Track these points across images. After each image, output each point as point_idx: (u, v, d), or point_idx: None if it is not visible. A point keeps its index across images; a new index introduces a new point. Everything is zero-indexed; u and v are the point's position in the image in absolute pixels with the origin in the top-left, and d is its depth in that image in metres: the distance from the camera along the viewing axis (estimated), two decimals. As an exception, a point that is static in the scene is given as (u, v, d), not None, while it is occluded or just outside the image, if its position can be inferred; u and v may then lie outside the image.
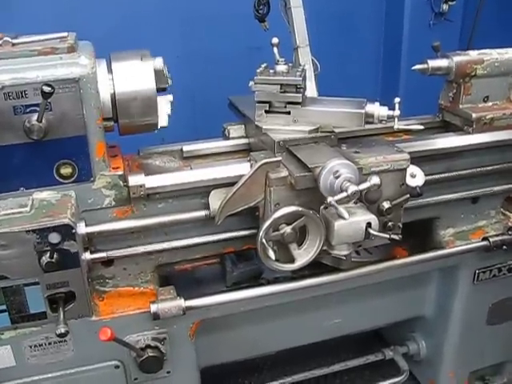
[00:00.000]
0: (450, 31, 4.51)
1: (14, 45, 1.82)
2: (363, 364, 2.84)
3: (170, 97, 1.98)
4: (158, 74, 1.91)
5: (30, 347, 1.92)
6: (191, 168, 2.12)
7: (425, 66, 2.34)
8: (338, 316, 2.52)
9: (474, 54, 2.36)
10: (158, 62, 1.93)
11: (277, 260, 1.92)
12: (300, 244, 1.93)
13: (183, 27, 4.02)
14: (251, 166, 2.00)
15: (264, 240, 1.85)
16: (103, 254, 1.97)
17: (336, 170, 1.78)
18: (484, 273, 2.48)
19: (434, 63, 2.34)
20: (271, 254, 1.87)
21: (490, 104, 2.42)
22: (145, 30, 3.79)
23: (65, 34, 1.88)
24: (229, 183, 1.97)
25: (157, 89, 1.91)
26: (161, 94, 1.97)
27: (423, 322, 2.75)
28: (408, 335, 2.89)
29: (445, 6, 4.42)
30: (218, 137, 2.43)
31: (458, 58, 2.33)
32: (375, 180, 1.80)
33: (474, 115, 2.34)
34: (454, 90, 2.42)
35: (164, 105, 1.96)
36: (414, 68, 2.36)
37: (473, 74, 2.34)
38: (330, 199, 1.75)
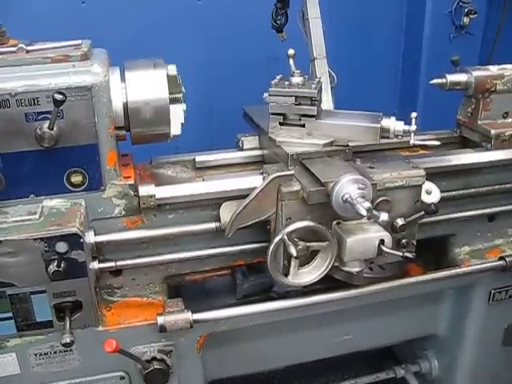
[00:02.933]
0: (470, 45, 4.46)
1: (28, 52, 1.82)
2: (374, 382, 2.79)
3: (183, 106, 1.96)
4: (170, 81, 1.89)
5: (36, 355, 1.90)
6: (203, 179, 2.11)
7: (443, 80, 2.30)
8: (348, 332, 2.48)
9: (493, 69, 2.32)
10: (172, 70, 1.91)
11: (285, 275, 1.90)
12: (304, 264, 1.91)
13: (203, 35, 4.03)
14: (263, 178, 1.97)
15: (286, 237, 1.81)
16: (112, 264, 1.96)
17: (349, 185, 1.76)
18: (500, 293, 2.42)
19: (452, 78, 2.30)
20: (292, 250, 1.81)
21: (510, 120, 2.39)
22: (164, 37, 3.80)
23: (79, 41, 1.88)
24: (240, 196, 1.95)
25: (170, 98, 1.90)
26: (174, 103, 1.96)
27: (436, 341, 2.69)
28: (420, 353, 2.83)
29: (466, 19, 4.37)
30: (233, 147, 2.41)
31: (478, 73, 2.30)
32: (383, 217, 1.77)
33: (492, 131, 2.30)
34: (473, 106, 2.38)
35: (177, 113, 1.94)
36: (431, 82, 2.32)
37: (492, 89, 2.30)
38: (346, 195, 1.72)
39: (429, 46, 4.41)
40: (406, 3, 4.50)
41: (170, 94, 1.89)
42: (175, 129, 1.96)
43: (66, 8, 3.67)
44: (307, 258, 1.89)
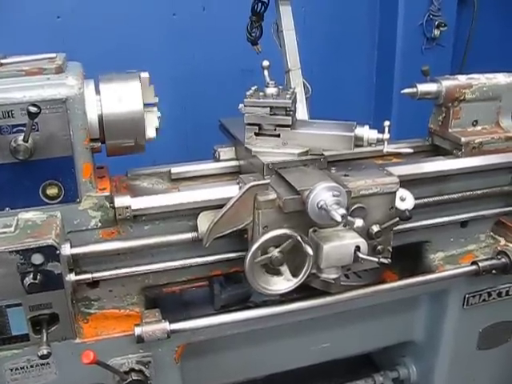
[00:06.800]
0: (441, 56, 4.55)
1: (1, 65, 1.82)
2: (353, 389, 2.81)
3: (157, 113, 1.98)
4: (143, 85, 1.91)
5: (11, 370, 1.88)
6: (179, 190, 2.12)
7: (414, 89, 2.35)
8: (326, 340, 2.50)
9: (462, 79, 2.38)
10: (145, 76, 1.93)
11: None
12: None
13: (178, 49, 4.05)
14: (240, 188, 1.99)
15: (299, 238, 1.82)
16: (88, 276, 1.95)
17: (324, 193, 1.78)
18: (473, 297, 2.47)
19: (422, 87, 2.36)
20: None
21: (479, 128, 2.44)
22: (139, 51, 3.81)
23: (53, 54, 1.88)
24: (217, 205, 1.96)
25: (144, 104, 1.91)
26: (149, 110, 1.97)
27: (413, 347, 2.73)
28: (398, 359, 2.86)
29: (436, 32, 4.47)
30: (209, 159, 2.42)
31: (447, 83, 2.35)
32: (358, 223, 1.79)
33: (463, 139, 2.35)
34: (444, 114, 2.43)
35: (152, 118, 1.95)
36: (402, 92, 2.37)
37: (461, 98, 2.36)
38: (321, 203, 1.74)
39: (401, 57, 4.49)
40: (378, 16, 4.58)
41: (143, 100, 1.90)
42: (150, 132, 1.95)
43: (40, 23, 3.66)
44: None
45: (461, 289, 2.44)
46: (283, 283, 1.93)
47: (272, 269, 1.91)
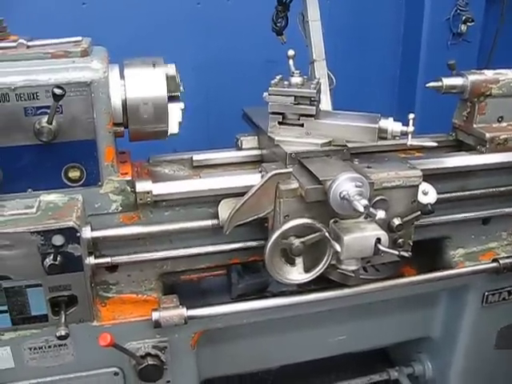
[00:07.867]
0: (468, 52, 4.49)
1: (28, 47, 1.83)
2: (367, 383, 2.79)
3: (181, 104, 1.96)
4: (169, 80, 1.90)
5: (30, 349, 1.90)
6: (200, 177, 2.12)
7: (439, 83, 2.32)
8: (342, 333, 2.49)
9: (489, 74, 2.34)
10: (171, 69, 1.92)
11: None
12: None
13: (202, 38, 4.05)
14: (262, 176, 1.98)
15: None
16: (107, 260, 1.96)
17: (347, 183, 1.77)
18: (493, 295, 2.44)
19: (448, 81, 2.32)
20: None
21: (505, 124, 2.40)
22: (163, 39, 3.81)
23: (79, 38, 1.89)
24: (238, 193, 1.95)
25: (169, 96, 1.90)
26: (173, 101, 1.97)
27: (430, 343, 2.70)
28: (414, 355, 2.84)
29: (463, 27, 4.41)
30: (231, 148, 2.42)
31: (473, 77, 2.32)
32: (380, 214, 1.77)
33: (487, 135, 2.32)
34: (468, 109, 2.40)
35: (175, 112, 1.94)
36: (427, 85, 2.34)
37: (488, 93, 2.32)
38: (344, 192, 1.73)
39: (426, 52, 4.44)
40: (404, 10, 4.54)
41: (168, 92, 1.89)
42: (173, 127, 1.96)
43: (66, 9, 3.68)
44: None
45: (480, 286, 2.42)
46: (296, 274, 1.93)
47: (290, 258, 1.91)
